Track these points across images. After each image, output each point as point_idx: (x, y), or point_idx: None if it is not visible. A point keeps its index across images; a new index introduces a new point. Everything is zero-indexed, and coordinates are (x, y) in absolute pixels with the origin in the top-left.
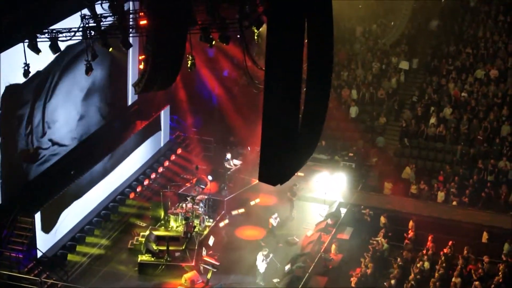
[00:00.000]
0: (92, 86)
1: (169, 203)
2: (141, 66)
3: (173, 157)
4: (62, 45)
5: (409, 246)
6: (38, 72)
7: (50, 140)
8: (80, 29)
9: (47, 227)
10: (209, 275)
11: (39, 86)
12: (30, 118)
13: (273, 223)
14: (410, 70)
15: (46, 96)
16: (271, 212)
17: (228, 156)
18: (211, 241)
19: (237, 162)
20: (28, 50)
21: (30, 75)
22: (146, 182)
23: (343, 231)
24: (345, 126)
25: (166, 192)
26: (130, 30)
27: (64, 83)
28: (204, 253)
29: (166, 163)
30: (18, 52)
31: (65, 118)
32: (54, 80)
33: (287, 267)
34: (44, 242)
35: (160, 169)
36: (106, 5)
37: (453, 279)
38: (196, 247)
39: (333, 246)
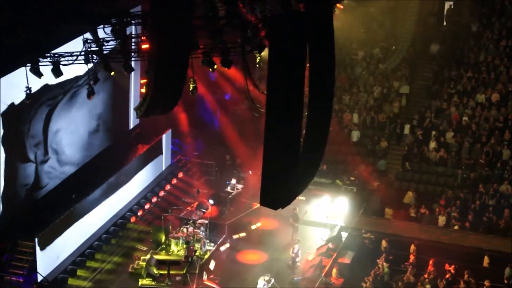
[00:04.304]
0: (94, 110)
1: (170, 227)
2: (143, 90)
3: (174, 181)
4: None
5: (410, 270)
6: (41, 92)
7: (52, 164)
8: (82, 53)
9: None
10: None
11: (41, 107)
12: (31, 141)
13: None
14: (410, 94)
15: (48, 119)
16: (273, 237)
17: (233, 181)
18: (212, 265)
19: (238, 186)
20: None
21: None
22: (147, 206)
23: (344, 255)
24: (347, 150)
25: (167, 216)
26: (132, 54)
27: (66, 106)
28: (205, 277)
29: (168, 187)
30: (19, 74)
31: (67, 142)
32: (56, 103)
33: None
34: (44, 266)
35: (162, 193)
36: (108, 30)
37: None
38: (197, 271)
39: (334, 270)
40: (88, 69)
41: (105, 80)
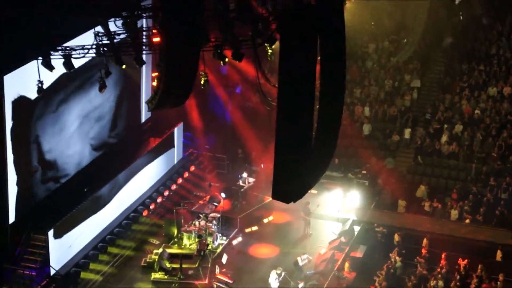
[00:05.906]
0: (105, 104)
1: (182, 220)
2: (154, 83)
3: (186, 175)
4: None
5: (422, 264)
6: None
7: (60, 159)
8: (94, 46)
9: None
10: None
11: (49, 102)
12: (39, 135)
13: (300, 262)
14: (422, 88)
15: (56, 113)
16: (285, 231)
17: (244, 174)
18: (224, 259)
19: (250, 179)
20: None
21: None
22: (159, 200)
23: (356, 249)
24: (358, 143)
25: (179, 209)
26: (143, 47)
27: (76, 100)
28: (217, 271)
29: (179, 181)
30: (29, 69)
31: (78, 136)
32: (65, 97)
33: (301, 285)
34: (57, 259)
35: (173, 187)
36: (119, 23)
37: None
38: (209, 265)
39: (347, 264)
40: (99, 62)
41: (117, 74)
